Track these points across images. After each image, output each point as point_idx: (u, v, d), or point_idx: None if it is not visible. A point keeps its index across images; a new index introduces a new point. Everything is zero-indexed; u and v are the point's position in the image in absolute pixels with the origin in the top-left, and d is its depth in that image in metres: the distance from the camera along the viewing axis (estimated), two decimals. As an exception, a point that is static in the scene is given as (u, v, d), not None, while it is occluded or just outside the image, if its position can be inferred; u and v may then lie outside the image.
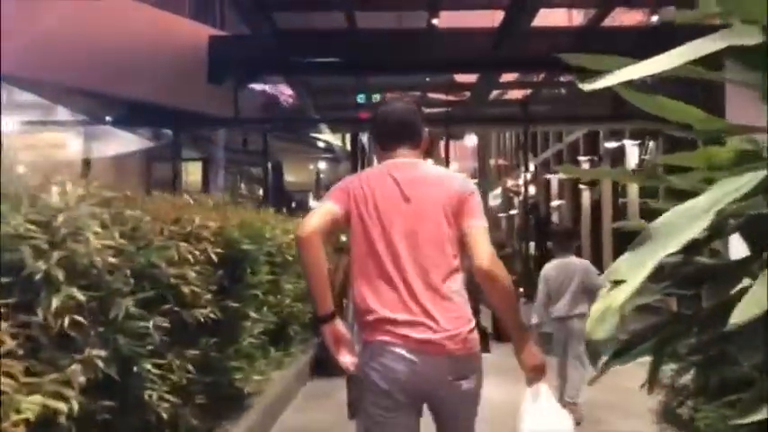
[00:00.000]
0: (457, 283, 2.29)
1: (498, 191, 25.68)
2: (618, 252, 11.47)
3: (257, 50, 8.87)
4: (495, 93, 12.57)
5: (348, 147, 12.13)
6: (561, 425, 2.42)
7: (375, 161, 2.65)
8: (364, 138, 13.47)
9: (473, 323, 2.33)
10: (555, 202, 18.00)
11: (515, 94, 12.10)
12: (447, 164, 11.12)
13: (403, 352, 2.21)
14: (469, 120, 11.51)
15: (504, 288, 2.28)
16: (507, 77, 10.96)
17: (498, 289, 2.27)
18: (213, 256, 2.66)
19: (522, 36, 8.63)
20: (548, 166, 18.39)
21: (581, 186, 15.22)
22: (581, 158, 15.01)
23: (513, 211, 21.68)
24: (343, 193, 2.36)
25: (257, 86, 10.95)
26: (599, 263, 13.92)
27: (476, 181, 25.57)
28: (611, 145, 12.78)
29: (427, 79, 10.69)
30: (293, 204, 11.54)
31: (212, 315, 2.94)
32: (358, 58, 9.12)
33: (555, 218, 18.25)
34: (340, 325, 2.29)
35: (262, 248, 3.82)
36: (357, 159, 11.19)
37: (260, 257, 3.72)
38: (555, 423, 2.40)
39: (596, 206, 14.51)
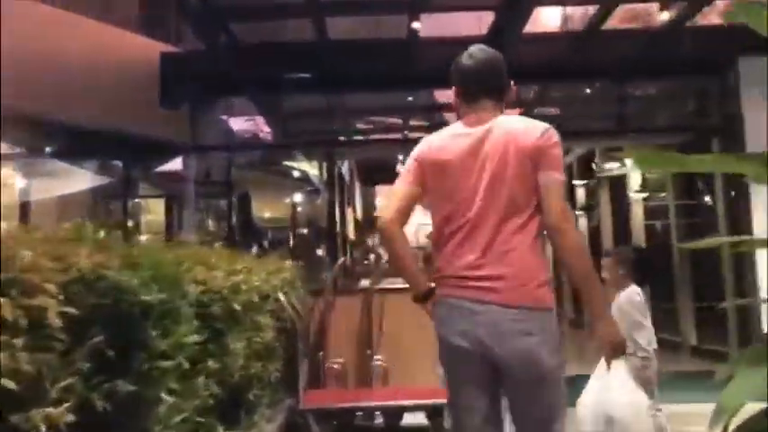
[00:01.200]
0: (528, 239, 2.23)
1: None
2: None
3: (215, 67, 7.83)
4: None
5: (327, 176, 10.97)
6: (635, 400, 2.36)
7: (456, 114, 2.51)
8: (344, 167, 12.39)
9: (544, 278, 2.23)
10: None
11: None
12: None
13: (465, 303, 2.22)
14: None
15: (575, 246, 2.20)
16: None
17: (569, 247, 2.19)
18: (53, 319, 1.53)
19: (515, 43, 7.67)
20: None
21: (577, 212, 14.21)
22: (576, 182, 14.05)
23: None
24: (414, 166, 2.38)
25: (232, 119, 9.90)
26: (602, 294, 12.84)
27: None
28: (611, 166, 11.81)
29: (410, 99, 9.69)
30: (265, 243, 10.37)
31: (77, 413, 1.81)
32: (330, 74, 8.11)
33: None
34: None
35: (186, 297, 2.69)
36: (335, 190, 10.08)
37: (181, 310, 2.60)
38: (632, 399, 2.34)
39: (595, 233, 13.49)
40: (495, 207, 2.25)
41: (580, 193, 14.12)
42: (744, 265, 7.97)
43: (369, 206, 23.00)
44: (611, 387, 2.37)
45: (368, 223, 16.84)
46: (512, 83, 2.46)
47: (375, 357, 5.91)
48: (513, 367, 2.21)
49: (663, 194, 10.31)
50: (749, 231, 7.87)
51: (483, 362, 2.25)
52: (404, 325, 6.11)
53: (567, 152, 14.36)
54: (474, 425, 2.29)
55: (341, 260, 6.23)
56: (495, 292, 2.19)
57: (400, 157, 15.64)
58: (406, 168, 2.42)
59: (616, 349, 2.26)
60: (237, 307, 3.45)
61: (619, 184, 11.80)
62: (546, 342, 2.21)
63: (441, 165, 2.34)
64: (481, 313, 2.20)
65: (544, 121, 2.46)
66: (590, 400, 2.45)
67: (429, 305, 2.36)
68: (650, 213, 11.08)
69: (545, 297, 2.23)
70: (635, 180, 11.01)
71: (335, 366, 5.95)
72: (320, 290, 6.11)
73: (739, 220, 8.06)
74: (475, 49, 2.47)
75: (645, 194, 10.77)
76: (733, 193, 8.12)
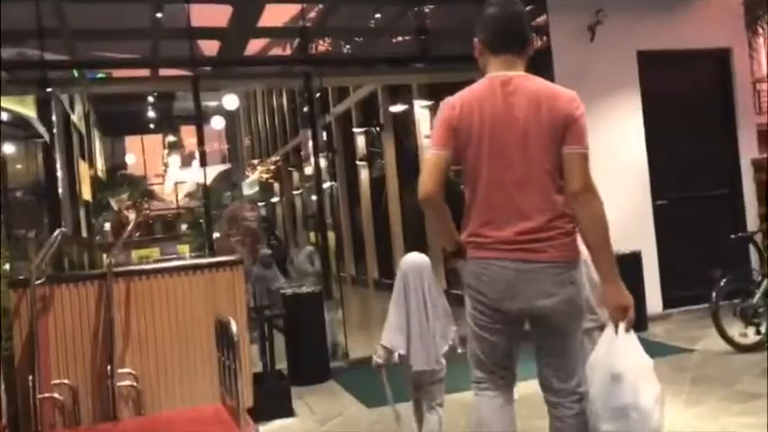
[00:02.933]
0: (561, 199, 2.36)
1: (254, 177, 22.76)
2: (412, 235, 8.94)
3: None
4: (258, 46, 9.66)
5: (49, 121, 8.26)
6: (641, 362, 2.40)
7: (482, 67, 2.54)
8: (75, 111, 9.72)
9: (575, 232, 2.40)
10: (326, 184, 15.59)
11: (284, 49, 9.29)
12: (201, 148, 7.91)
13: (509, 264, 2.36)
14: (225, 77, 8.48)
15: (596, 216, 2.33)
16: (273, 17, 8.17)
17: (590, 216, 2.32)
18: None
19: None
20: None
21: (358, 163, 12.98)
22: (356, 131, 12.78)
23: (274, 199, 19.02)
24: (446, 129, 2.39)
25: None
26: (387, 252, 11.86)
27: (227, 167, 22.33)
28: (397, 109, 10.62)
29: (158, 15, 7.50)
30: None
31: None
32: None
33: (327, 202, 15.89)
34: None
35: None
36: (61, 138, 7.59)
37: None
38: (635, 360, 2.38)
39: (378, 186, 12.36)
40: (530, 170, 2.35)
41: (360, 142, 12.87)
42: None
43: (115, 160, 19.88)
44: (618, 347, 2.37)
45: (114, 181, 14.15)
46: (534, 36, 2.55)
47: (120, 374, 3.97)
48: (556, 317, 2.40)
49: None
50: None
51: (518, 318, 2.45)
52: (165, 322, 4.26)
53: (345, 95, 13.01)
54: (497, 372, 2.52)
55: (58, 232, 4.14)
56: (540, 252, 2.34)
57: (151, 99, 13.17)
58: (436, 136, 2.42)
59: (623, 311, 2.36)
60: None
61: (408, 128, 10.68)
62: (580, 290, 2.44)
63: (471, 129, 2.38)
64: (527, 272, 2.34)
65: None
66: (598, 359, 2.43)
67: (461, 262, 2.51)
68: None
69: (577, 249, 2.41)
70: (425, 125, 9.91)
71: (56, 396, 3.88)
72: (28, 279, 4.00)
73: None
74: (501, 0, 2.50)
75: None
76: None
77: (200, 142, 7.25)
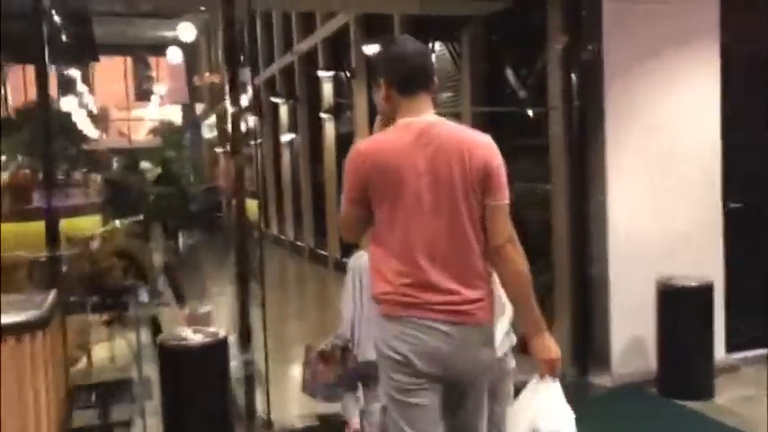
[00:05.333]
0: (481, 253, 2.22)
1: (214, 118, 20.27)
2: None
3: None
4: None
5: None
6: (565, 416, 2.37)
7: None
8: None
9: (493, 297, 2.28)
10: (285, 137, 13.30)
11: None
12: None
13: (434, 324, 2.19)
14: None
15: (517, 271, 2.22)
16: None
17: (513, 271, 2.21)
18: None
19: None
20: (273, 87, 13.51)
21: (323, 115, 10.63)
22: (321, 74, 10.41)
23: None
24: (358, 181, 2.21)
25: None
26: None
27: (182, 105, 19.56)
28: (373, 50, 8.27)
29: None
30: None
31: None
32: None
33: (286, 157, 13.59)
34: None
35: None
36: None
37: None
38: (558, 415, 2.35)
39: (345, 143, 10.09)
40: (454, 225, 2.20)
41: (327, 89, 10.52)
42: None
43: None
44: (542, 401, 2.32)
45: (31, 123, 11.66)
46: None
47: None
48: (477, 377, 2.31)
49: (448, 95, 7.04)
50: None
51: (440, 379, 2.26)
52: None
53: (311, 28, 10.61)
54: None
55: None
56: (469, 315, 2.21)
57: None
58: (347, 185, 2.23)
59: (548, 365, 2.28)
60: None
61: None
62: (495, 347, 2.41)
63: (386, 183, 2.18)
64: (451, 334, 2.20)
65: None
66: (520, 410, 2.39)
67: None
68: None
69: (494, 308, 2.32)
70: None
71: None
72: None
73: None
74: (403, 39, 2.35)
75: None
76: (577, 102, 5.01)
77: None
